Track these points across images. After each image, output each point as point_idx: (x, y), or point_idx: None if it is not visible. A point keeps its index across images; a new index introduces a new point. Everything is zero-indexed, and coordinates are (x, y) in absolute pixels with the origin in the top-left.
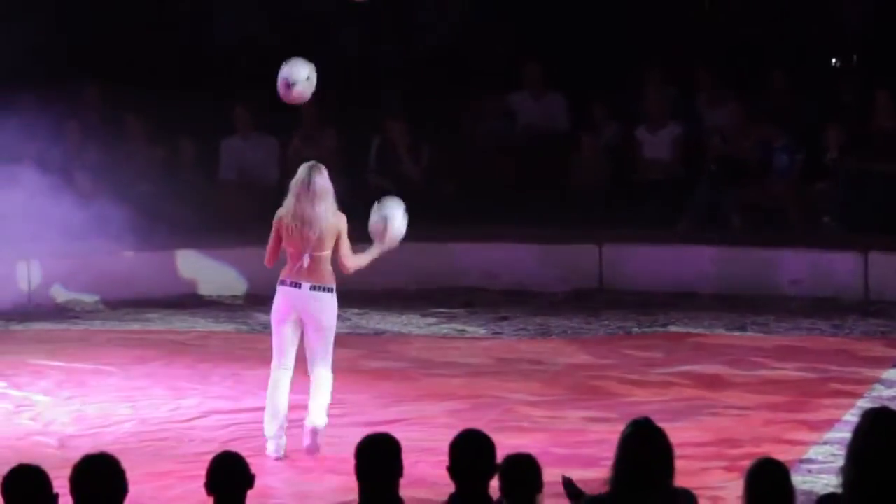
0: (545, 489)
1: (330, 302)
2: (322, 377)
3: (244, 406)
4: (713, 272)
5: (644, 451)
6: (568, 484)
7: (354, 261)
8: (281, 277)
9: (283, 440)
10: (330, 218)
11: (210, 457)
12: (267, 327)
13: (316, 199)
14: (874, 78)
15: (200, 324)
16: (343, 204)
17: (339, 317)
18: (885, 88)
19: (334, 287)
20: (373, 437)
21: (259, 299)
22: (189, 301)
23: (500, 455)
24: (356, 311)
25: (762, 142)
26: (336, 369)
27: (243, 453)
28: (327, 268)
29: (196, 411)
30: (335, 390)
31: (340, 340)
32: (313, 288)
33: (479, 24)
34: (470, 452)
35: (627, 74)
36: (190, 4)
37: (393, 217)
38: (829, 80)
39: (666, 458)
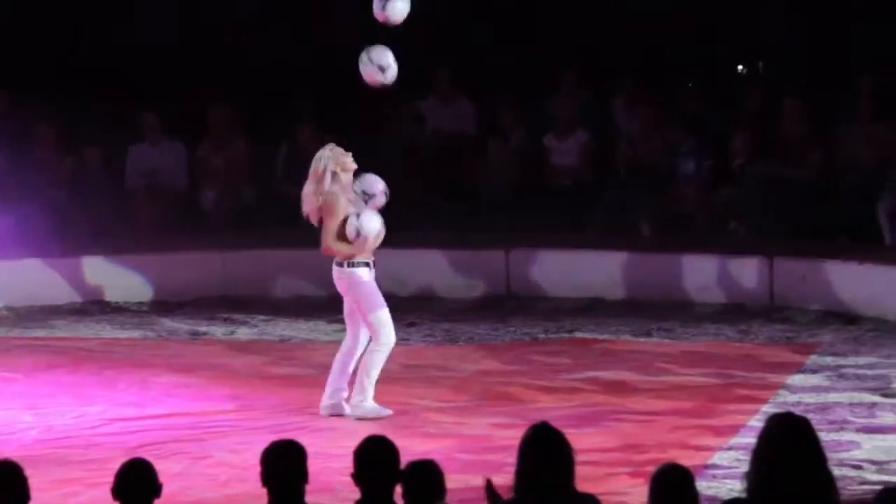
0: (449, 495)
1: (340, 275)
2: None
3: (150, 413)
4: (621, 278)
5: (543, 455)
6: (489, 486)
7: (331, 244)
8: None
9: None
10: (312, 197)
11: (116, 464)
12: (173, 333)
13: (308, 178)
14: (781, 85)
15: (106, 331)
16: (252, 211)
17: (246, 323)
18: (792, 95)
19: (344, 262)
20: (278, 444)
21: (165, 306)
22: (95, 308)
23: (404, 461)
24: (263, 317)
25: (670, 148)
26: (242, 375)
27: (151, 460)
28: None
29: (102, 418)
30: (241, 396)
31: (246, 347)
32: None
33: (388, 29)
34: (374, 459)
35: (537, 81)
36: (97, 11)
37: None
38: (736, 86)
39: (566, 461)
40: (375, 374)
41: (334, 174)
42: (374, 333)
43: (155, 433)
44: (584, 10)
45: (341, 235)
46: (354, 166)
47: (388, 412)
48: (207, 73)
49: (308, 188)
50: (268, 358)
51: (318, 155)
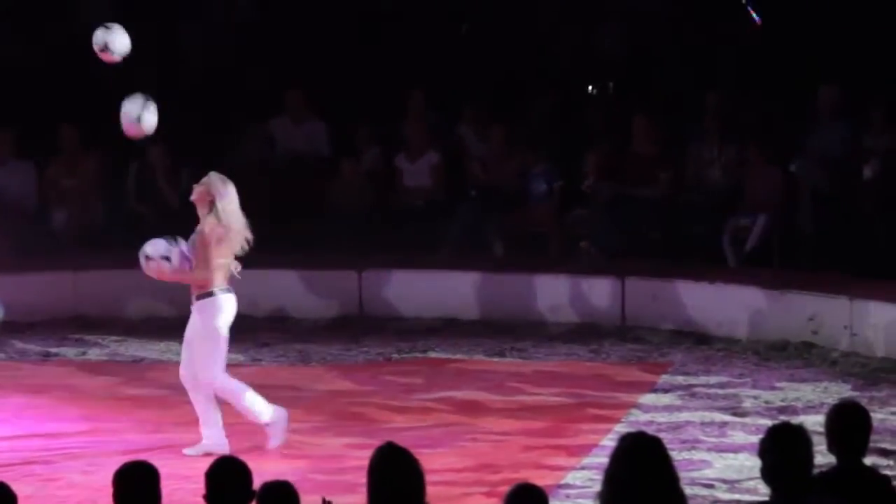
0: None
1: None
2: None
3: (1, 434)
4: (474, 298)
5: (392, 474)
6: None
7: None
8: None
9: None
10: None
11: None
12: (23, 354)
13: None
14: (630, 104)
15: None
16: (101, 229)
17: (97, 344)
18: (641, 114)
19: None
20: (130, 466)
21: (15, 326)
22: None
23: (258, 482)
24: (115, 338)
25: (521, 169)
26: (94, 396)
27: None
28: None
29: None
30: (93, 417)
31: (98, 368)
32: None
33: (243, 49)
34: (226, 480)
35: (389, 101)
36: None
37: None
38: (585, 106)
39: (415, 480)
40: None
41: (212, 203)
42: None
43: (4, 455)
44: (434, 30)
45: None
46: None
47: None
48: (56, 91)
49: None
50: (120, 378)
51: (231, 186)
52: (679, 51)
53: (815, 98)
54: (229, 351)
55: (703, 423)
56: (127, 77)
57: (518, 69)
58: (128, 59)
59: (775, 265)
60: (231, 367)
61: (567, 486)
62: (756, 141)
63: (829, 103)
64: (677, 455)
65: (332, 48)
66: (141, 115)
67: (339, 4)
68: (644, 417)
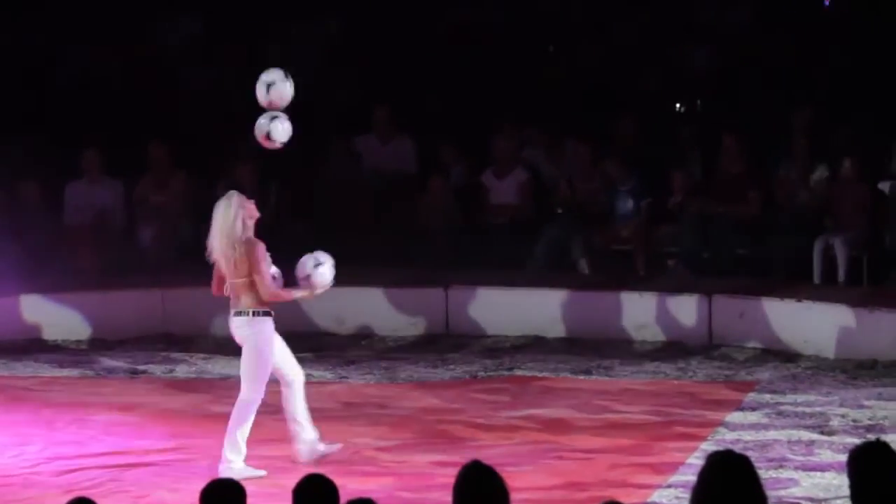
0: None
1: (246, 325)
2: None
3: (89, 451)
4: (560, 316)
5: (477, 494)
6: None
7: (277, 290)
8: None
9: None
10: (228, 250)
11: (54, 501)
12: (111, 372)
13: (213, 230)
14: (718, 122)
15: (45, 369)
16: (189, 247)
17: (185, 361)
18: (730, 132)
19: (256, 312)
20: (218, 483)
21: (104, 344)
22: (33, 346)
23: (343, 500)
24: (202, 355)
25: (608, 186)
26: (181, 414)
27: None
28: (238, 294)
29: (40, 457)
30: (180, 435)
31: (185, 385)
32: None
33: (329, 66)
34: (313, 497)
35: (476, 118)
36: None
37: (321, 264)
38: (673, 124)
39: (501, 498)
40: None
41: (243, 222)
42: (249, 385)
43: (94, 472)
44: (522, 49)
45: (253, 284)
46: (257, 214)
47: (261, 473)
48: (145, 109)
49: (218, 241)
50: (207, 396)
51: (221, 205)
52: (768, 69)
53: None
54: (316, 368)
55: (790, 442)
56: (220, 95)
57: (606, 87)
58: (213, 78)
59: (864, 283)
60: (318, 385)
61: None
62: (849, 157)
63: None
64: (764, 473)
65: (419, 64)
66: (270, 131)
67: (427, 20)
68: (731, 436)
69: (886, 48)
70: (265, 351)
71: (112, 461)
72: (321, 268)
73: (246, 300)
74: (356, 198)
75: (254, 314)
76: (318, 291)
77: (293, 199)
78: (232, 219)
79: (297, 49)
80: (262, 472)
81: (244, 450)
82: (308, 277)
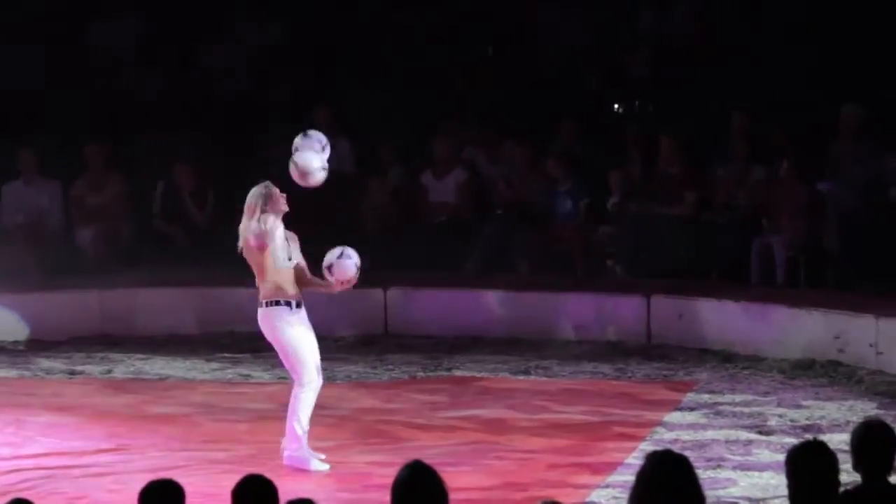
0: None
1: (263, 317)
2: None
3: (26, 452)
4: (499, 316)
5: (417, 492)
6: None
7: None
8: None
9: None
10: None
11: None
12: (49, 372)
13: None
14: (657, 123)
15: None
16: (127, 248)
17: (122, 362)
18: (669, 134)
19: (268, 301)
20: (156, 483)
21: (41, 344)
22: None
23: (283, 500)
24: (140, 356)
25: (547, 186)
26: (119, 414)
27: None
28: (260, 284)
29: None
30: (118, 435)
31: (124, 386)
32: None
33: (267, 69)
34: (252, 498)
35: (416, 118)
36: None
37: (348, 258)
38: (612, 125)
39: (440, 498)
40: (306, 417)
41: (264, 212)
42: (296, 375)
43: (30, 472)
44: (461, 51)
45: (263, 274)
46: (285, 208)
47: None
48: (80, 110)
49: (242, 224)
50: (145, 397)
51: (252, 191)
52: (706, 71)
53: (839, 118)
54: (255, 369)
55: (728, 442)
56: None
57: (545, 88)
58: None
59: (802, 284)
60: (256, 385)
61: None
62: (787, 158)
63: (852, 124)
64: (702, 473)
65: (357, 65)
66: (310, 175)
67: (367, 21)
68: (669, 436)
69: (825, 50)
70: (283, 337)
71: (50, 462)
72: (346, 260)
73: (261, 291)
74: (294, 199)
75: (267, 304)
76: (338, 287)
77: (231, 201)
78: (251, 209)
79: (236, 50)
80: (327, 467)
81: (307, 429)
82: (330, 268)
